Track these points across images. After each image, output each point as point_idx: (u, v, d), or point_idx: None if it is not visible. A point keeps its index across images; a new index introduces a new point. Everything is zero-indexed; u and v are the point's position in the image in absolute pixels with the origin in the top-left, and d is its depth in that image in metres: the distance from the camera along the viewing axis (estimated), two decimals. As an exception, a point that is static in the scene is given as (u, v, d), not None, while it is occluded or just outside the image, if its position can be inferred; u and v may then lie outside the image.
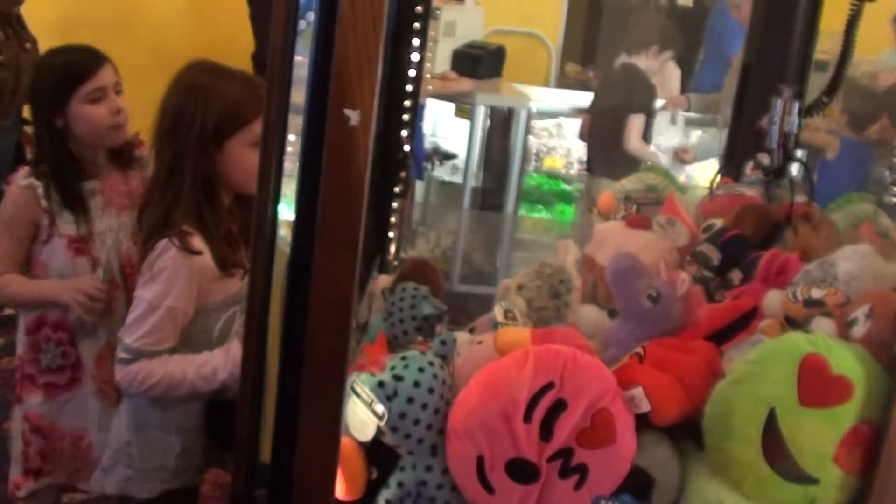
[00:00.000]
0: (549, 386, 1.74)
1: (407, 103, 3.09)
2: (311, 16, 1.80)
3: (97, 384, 2.88)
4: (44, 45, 6.03)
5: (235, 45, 6.22)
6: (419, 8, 3.01)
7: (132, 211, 2.82)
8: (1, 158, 5.15)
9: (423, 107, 3.91)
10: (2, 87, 5.04)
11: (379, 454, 1.85)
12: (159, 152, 2.52)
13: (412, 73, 3.09)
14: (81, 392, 2.90)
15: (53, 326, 2.85)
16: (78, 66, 2.75)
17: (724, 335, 2.02)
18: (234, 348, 2.48)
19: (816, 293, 2.03)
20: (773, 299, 2.16)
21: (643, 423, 1.82)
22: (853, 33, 2.69)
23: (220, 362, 2.48)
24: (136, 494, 2.59)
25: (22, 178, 2.77)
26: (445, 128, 5.85)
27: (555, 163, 5.69)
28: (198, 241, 2.46)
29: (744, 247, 2.57)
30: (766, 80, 3.14)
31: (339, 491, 1.81)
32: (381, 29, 1.59)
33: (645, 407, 1.79)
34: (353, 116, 1.59)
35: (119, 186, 2.86)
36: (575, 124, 5.91)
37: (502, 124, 5.63)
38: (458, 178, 5.64)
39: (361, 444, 1.86)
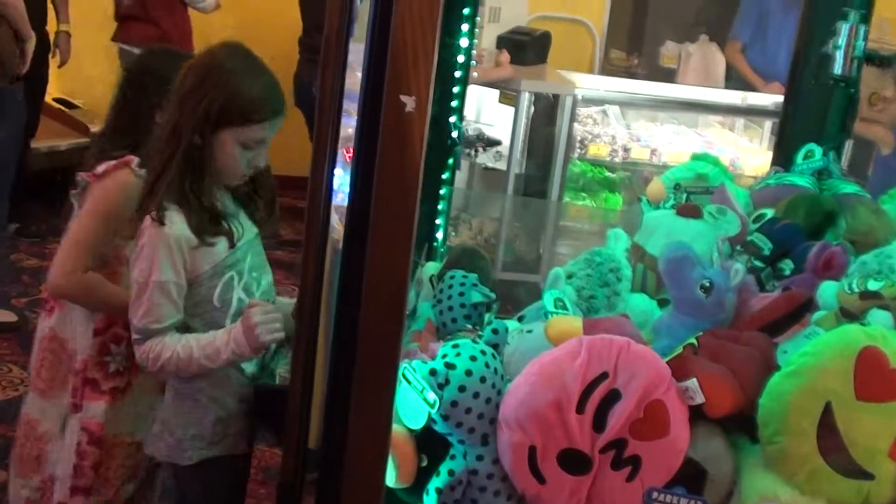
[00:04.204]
0: (603, 376, 1.73)
1: (455, 89, 3.09)
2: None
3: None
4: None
5: (283, 28, 6.23)
6: (469, -7, 3.01)
7: None
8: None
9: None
10: None
11: (429, 442, 1.85)
12: (168, 114, 2.50)
13: (461, 59, 3.09)
14: (133, 396, 2.85)
15: (125, 325, 2.67)
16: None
17: (777, 327, 2.00)
18: (237, 327, 2.48)
19: (873, 285, 2.01)
20: (828, 291, 2.14)
21: (697, 414, 1.80)
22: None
23: (222, 342, 2.48)
24: (179, 462, 2.61)
25: (137, 167, 2.67)
26: (489, 114, 5.82)
27: (599, 150, 5.64)
28: (173, 213, 2.45)
29: (796, 236, 2.55)
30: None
31: (390, 478, 1.81)
32: (437, 13, 1.58)
33: (699, 399, 1.77)
34: (409, 103, 1.58)
35: None
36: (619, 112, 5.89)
37: (547, 111, 5.59)
38: (501, 165, 5.60)
39: (412, 432, 1.86)
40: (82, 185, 2.74)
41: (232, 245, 2.52)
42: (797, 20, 6.18)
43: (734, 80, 6.64)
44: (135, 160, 2.69)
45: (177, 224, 2.44)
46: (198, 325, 2.54)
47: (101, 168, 2.71)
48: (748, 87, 6.25)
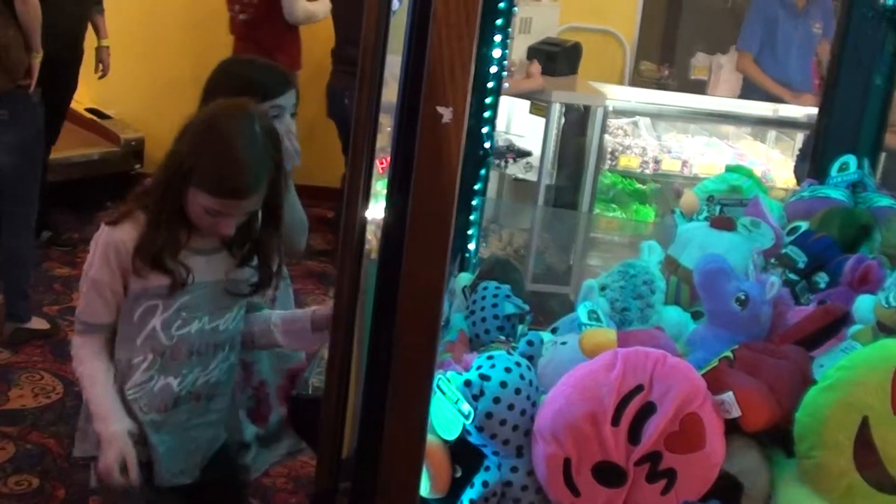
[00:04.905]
0: (638, 389, 1.73)
1: (488, 100, 3.09)
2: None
3: None
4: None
5: (316, 41, 6.25)
6: (502, 4, 3.01)
7: None
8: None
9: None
10: None
11: (464, 453, 1.85)
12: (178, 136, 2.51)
13: (493, 69, 3.09)
14: None
15: None
16: (266, 83, 2.73)
17: (814, 340, 1.99)
18: (104, 430, 2.46)
19: (910, 299, 2.00)
20: (864, 304, 2.13)
21: (732, 428, 1.79)
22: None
23: (98, 424, 2.46)
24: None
25: None
26: (520, 125, 5.82)
27: (630, 162, 5.62)
28: (130, 226, 2.43)
29: (830, 249, 2.54)
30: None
31: (424, 488, 1.81)
32: (474, 26, 1.58)
33: (735, 412, 1.76)
34: (446, 114, 1.58)
35: None
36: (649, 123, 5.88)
37: (577, 122, 5.58)
38: (531, 176, 5.60)
39: (446, 443, 1.86)
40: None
41: (173, 286, 2.45)
42: (806, 27, 6.19)
43: (747, 89, 6.59)
44: None
45: (125, 232, 2.42)
46: (118, 335, 2.53)
47: None
48: (768, 98, 6.21)
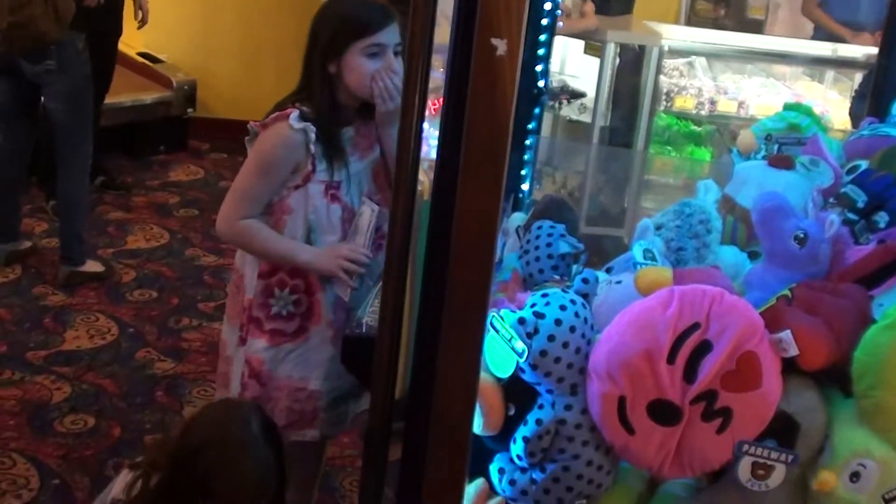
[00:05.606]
0: (695, 327, 1.71)
1: (542, 37, 3.06)
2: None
3: (334, 330, 2.89)
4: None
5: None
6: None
7: (371, 153, 2.90)
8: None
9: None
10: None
11: (517, 391, 1.84)
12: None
13: (547, 6, 3.05)
14: (307, 343, 2.88)
15: (291, 273, 2.85)
16: (362, 20, 2.77)
17: (873, 279, 1.95)
18: None
19: (973, 237, 1.95)
20: (926, 243, 2.09)
21: (790, 367, 1.77)
22: None
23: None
24: None
25: (296, 120, 2.74)
26: (574, 66, 5.75)
27: (686, 103, 5.55)
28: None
29: (891, 188, 2.48)
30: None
31: (477, 426, 1.80)
32: (529, -45, 1.56)
33: (793, 351, 1.74)
34: (500, 46, 1.56)
35: (365, 133, 2.90)
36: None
37: (633, 63, 5.51)
38: (585, 118, 5.54)
39: (500, 381, 1.85)
40: (253, 133, 2.82)
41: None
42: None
43: (819, 31, 6.46)
44: (294, 113, 2.75)
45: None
46: None
47: (269, 118, 2.79)
48: (835, 40, 6.08)
